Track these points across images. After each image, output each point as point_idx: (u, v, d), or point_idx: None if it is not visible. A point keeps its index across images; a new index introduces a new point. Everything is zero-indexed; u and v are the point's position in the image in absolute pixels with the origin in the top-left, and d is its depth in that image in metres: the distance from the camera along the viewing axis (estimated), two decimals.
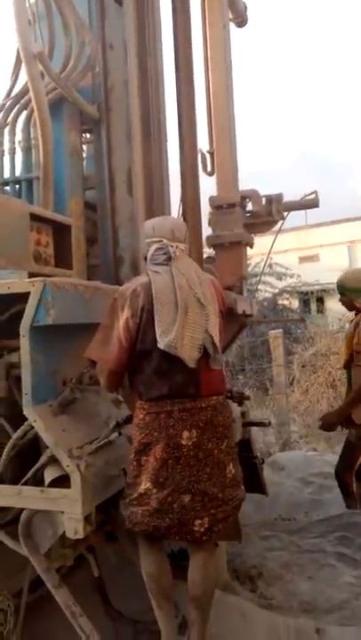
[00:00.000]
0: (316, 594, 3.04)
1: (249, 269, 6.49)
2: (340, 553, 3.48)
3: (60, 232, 2.50)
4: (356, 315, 3.47)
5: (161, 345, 1.87)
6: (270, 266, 14.15)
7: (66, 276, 2.36)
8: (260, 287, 13.26)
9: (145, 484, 1.92)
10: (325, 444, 6.30)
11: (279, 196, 4.12)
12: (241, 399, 3.24)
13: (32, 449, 2.12)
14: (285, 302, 14.72)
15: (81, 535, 1.86)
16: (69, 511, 1.88)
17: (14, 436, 2.05)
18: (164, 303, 1.91)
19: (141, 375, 2.00)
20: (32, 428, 1.99)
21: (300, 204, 4.25)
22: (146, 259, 2.12)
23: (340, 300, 3.61)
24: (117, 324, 1.98)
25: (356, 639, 2.28)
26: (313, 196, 4.19)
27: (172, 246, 2.02)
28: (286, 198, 4.23)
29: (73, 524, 1.87)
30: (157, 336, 1.89)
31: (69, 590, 2.05)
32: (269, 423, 3.43)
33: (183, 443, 1.90)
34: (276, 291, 14.05)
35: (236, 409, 3.11)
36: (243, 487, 2.09)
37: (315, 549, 3.43)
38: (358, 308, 3.46)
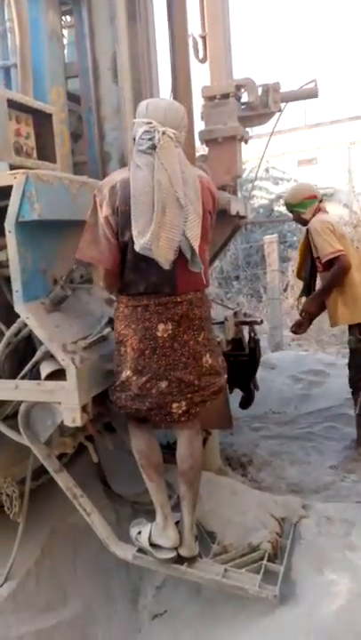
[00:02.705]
0: (303, 477, 3.26)
1: (244, 175, 6.19)
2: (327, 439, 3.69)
3: (42, 123, 2.34)
4: (305, 225, 3.59)
5: (137, 247, 1.85)
6: (267, 170, 13.64)
7: (49, 169, 2.25)
8: (255, 193, 12.87)
9: (125, 372, 2.03)
10: (317, 345, 6.46)
11: (276, 85, 3.85)
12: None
13: (28, 348, 2.15)
14: (282, 209, 14.33)
15: (79, 423, 1.93)
16: (66, 402, 1.94)
17: (8, 333, 2.08)
18: (140, 204, 1.85)
19: (121, 272, 2.02)
20: (25, 325, 2.01)
21: (299, 93, 3.98)
22: (135, 140, 2.02)
23: (293, 219, 3.77)
24: (100, 222, 1.95)
25: (339, 512, 2.47)
26: (312, 84, 3.92)
27: (159, 132, 1.91)
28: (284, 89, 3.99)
29: (71, 414, 1.94)
30: (134, 237, 1.86)
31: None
32: (261, 321, 3.49)
33: (159, 335, 1.98)
34: (273, 196, 13.60)
35: (227, 310, 3.15)
36: (224, 376, 2.19)
37: (303, 438, 3.63)
38: (307, 220, 3.55)
